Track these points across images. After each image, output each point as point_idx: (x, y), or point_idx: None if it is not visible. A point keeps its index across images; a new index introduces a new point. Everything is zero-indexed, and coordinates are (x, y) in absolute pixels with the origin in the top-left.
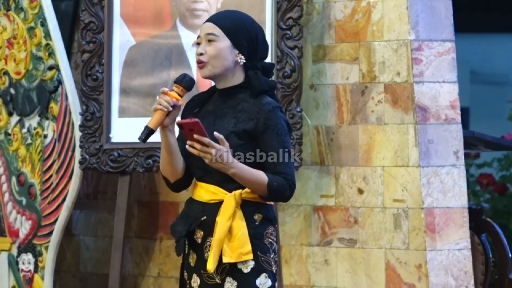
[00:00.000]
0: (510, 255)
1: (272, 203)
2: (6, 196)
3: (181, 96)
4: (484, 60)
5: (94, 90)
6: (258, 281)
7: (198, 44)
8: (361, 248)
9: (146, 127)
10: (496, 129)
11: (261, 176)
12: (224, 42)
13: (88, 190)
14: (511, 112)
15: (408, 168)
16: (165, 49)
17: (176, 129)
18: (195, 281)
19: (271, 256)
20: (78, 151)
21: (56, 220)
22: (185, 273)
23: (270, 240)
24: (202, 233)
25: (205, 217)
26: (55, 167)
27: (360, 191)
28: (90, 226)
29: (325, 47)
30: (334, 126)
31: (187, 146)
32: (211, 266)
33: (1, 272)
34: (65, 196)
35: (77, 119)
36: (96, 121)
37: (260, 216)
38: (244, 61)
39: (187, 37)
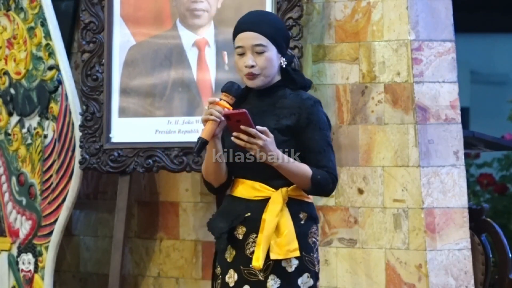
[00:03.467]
0: (510, 255)
1: (312, 200)
2: (6, 196)
3: (231, 105)
4: (484, 60)
5: (94, 90)
6: (300, 281)
7: (241, 55)
8: (361, 248)
9: (200, 138)
10: (496, 129)
11: (305, 168)
12: (272, 51)
13: (88, 190)
14: (511, 112)
15: (408, 168)
16: (165, 49)
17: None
18: (231, 276)
19: (314, 255)
20: (78, 151)
21: (56, 220)
22: (218, 268)
23: (313, 239)
24: (244, 229)
25: (249, 214)
26: (55, 167)
27: (360, 191)
28: (90, 226)
29: (325, 47)
30: (334, 126)
31: (232, 138)
32: (258, 262)
33: (1, 272)
34: (65, 196)
35: (77, 119)
36: (96, 121)
37: (305, 215)
38: (286, 62)
39: (187, 37)
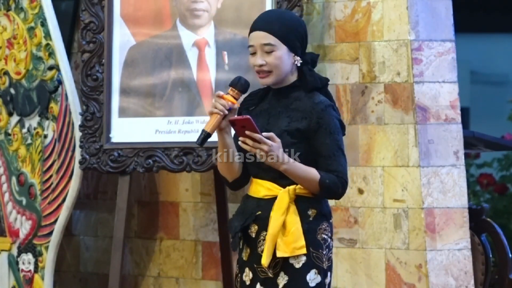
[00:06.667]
0: (510, 255)
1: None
2: (6, 196)
3: (236, 99)
4: (484, 60)
5: (94, 90)
6: (308, 277)
7: (253, 54)
8: (361, 248)
9: (203, 131)
10: (496, 129)
11: (313, 173)
12: (282, 50)
13: (88, 190)
14: (511, 112)
15: (408, 168)
16: (165, 49)
17: (233, 130)
18: (247, 275)
19: (324, 252)
20: (78, 151)
21: (56, 220)
22: (236, 267)
23: (323, 236)
24: (256, 227)
25: (260, 212)
26: (55, 167)
27: (360, 191)
28: (90, 226)
29: (325, 47)
30: None
31: (239, 142)
32: (265, 260)
33: (1, 272)
34: (65, 196)
35: (77, 119)
36: (96, 121)
37: (314, 211)
38: (301, 61)
39: (187, 37)
